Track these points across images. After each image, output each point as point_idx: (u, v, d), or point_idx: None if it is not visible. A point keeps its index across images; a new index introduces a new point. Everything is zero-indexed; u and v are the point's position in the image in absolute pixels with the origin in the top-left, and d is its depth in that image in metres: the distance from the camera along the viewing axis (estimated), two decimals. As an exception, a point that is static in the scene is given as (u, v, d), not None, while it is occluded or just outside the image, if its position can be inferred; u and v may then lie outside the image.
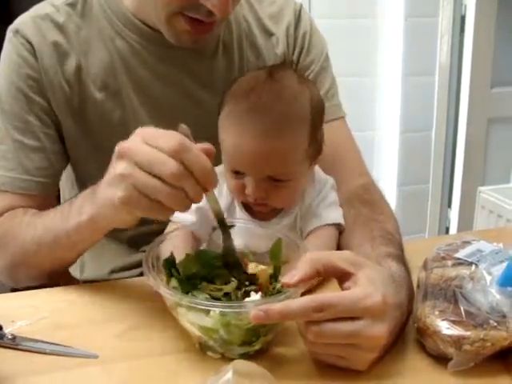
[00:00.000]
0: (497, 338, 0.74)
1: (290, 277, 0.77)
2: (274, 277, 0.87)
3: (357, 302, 0.74)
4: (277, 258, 0.90)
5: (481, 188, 2.52)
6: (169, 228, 1.00)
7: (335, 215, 1.06)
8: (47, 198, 1.11)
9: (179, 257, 0.87)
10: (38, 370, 0.79)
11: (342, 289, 0.79)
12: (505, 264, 0.81)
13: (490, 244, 0.90)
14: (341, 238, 1.05)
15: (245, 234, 0.95)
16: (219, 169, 1.06)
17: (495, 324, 0.75)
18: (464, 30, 2.65)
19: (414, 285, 0.89)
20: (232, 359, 0.78)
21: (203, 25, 0.99)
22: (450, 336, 0.75)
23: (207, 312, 0.76)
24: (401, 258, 0.90)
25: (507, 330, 0.75)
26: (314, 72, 1.20)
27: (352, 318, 0.74)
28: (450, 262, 0.87)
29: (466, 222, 2.75)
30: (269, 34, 1.19)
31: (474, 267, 0.83)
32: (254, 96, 0.96)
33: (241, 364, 0.70)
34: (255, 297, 0.82)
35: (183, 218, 0.97)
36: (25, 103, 1.08)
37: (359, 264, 0.79)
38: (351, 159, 1.20)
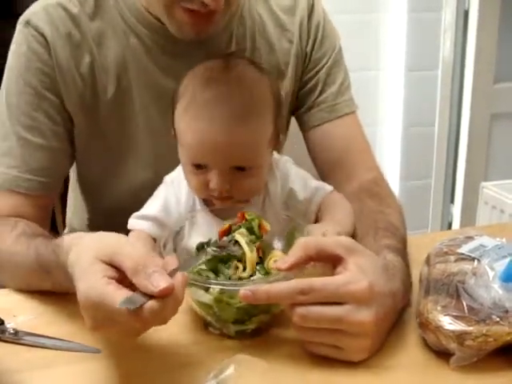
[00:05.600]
0: (499, 334, 0.74)
1: (282, 262, 0.79)
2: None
3: (340, 287, 0.75)
4: (292, 244, 0.91)
5: (483, 183, 2.50)
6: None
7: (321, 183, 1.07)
8: (49, 196, 1.10)
9: None
10: (40, 365, 0.79)
11: (334, 274, 0.80)
12: (507, 259, 0.81)
13: (492, 239, 0.89)
14: None
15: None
16: (173, 174, 1.04)
17: (498, 319, 0.75)
18: (467, 25, 2.63)
19: (416, 279, 0.89)
20: (229, 337, 0.82)
21: (201, 16, 0.97)
22: (452, 331, 0.75)
23: (207, 289, 0.80)
24: (400, 251, 0.90)
25: (510, 325, 0.75)
26: (327, 65, 1.18)
27: (339, 303, 0.75)
28: (452, 257, 0.87)
29: (468, 218, 2.74)
30: (283, 28, 1.16)
31: (476, 262, 0.83)
32: (212, 86, 0.94)
33: (243, 359, 0.70)
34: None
35: (141, 226, 0.98)
36: (34, 98, 1.04)
37: (352, 250, 0.80)
38: (362, 153, 1.20)
